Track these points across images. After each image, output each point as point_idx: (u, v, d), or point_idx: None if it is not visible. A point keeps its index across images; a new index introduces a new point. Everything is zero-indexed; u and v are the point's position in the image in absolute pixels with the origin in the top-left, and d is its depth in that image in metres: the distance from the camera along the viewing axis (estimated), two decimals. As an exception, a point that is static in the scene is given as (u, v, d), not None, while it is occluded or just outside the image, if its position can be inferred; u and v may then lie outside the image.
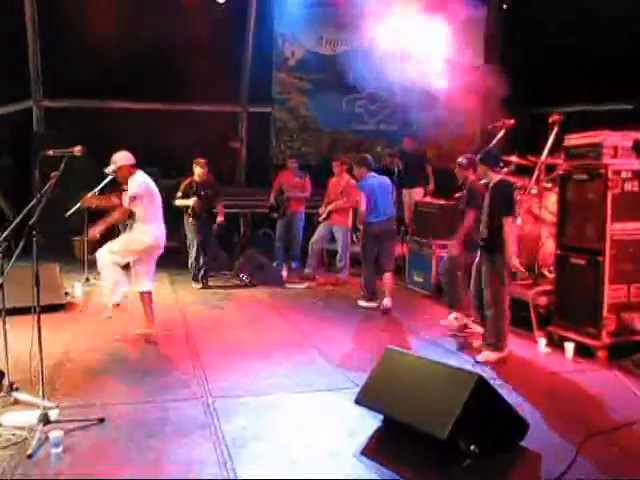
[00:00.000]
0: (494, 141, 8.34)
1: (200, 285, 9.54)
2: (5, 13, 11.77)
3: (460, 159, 7.21)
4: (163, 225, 6.81)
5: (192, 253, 9.55)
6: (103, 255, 6.57)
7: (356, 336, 7.08)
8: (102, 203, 7.36)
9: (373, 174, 8.41)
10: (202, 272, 9.60)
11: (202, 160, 9.40)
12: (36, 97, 12.66)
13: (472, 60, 13.74)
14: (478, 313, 6.56)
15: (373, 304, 8.32)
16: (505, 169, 7.36)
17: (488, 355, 6.08)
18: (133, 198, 6.48)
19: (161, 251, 6.81)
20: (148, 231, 6.60)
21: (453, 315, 7.21)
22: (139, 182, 6.57)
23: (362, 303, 8.39)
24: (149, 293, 6.79)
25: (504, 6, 13.18)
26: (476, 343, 6.48)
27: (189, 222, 9.49)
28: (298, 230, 10.66)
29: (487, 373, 5.38)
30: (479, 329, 6.64)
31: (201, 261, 9.55)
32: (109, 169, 6.63)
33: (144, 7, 11.48)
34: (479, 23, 13.70)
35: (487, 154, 6.33)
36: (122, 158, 6.58)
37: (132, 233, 6.67)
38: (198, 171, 9.34)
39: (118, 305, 6.72)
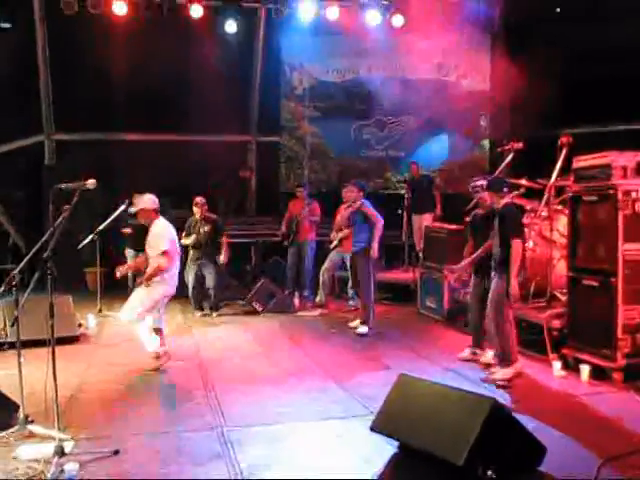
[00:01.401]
0: (502, 164, 8.35)
1: (201, 313, 9.71)
2: (17, 48, 11.97)
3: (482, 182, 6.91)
4: (178, 272, 6.91)
5: (189, 285, 9.77)
6: (131, 317, 6.57)
7: (369, 363, 7.05)
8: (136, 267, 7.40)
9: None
10: (201, 303, 9.79)
11: (198, 200, 9.76)
12: (48, 130, 12.80)
13: (479, 84, 13.84)
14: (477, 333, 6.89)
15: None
16: (514, 192, 7.37)
17: (503, 372, 6.11)
18: (164, 253, 6.55)
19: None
20: (167, 280, 6.65)
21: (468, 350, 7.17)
22: (168, 236, 6.67)
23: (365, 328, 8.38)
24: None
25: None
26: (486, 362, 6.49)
27: (190, 255, 9.78)
28: (309, 258, 10.64)
29: (502, 397, 5.35)
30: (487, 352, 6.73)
31: (195, 295, 9.77)
32: (132, 210, 6.78)
33: (154, 41, 11.61)
34: (486, 47, 13.79)
35: (492, 182, 6.47)
36: (145, 202, 6.68)
37: (151, 287, 6.61)
38: (195, 210, 9.74)
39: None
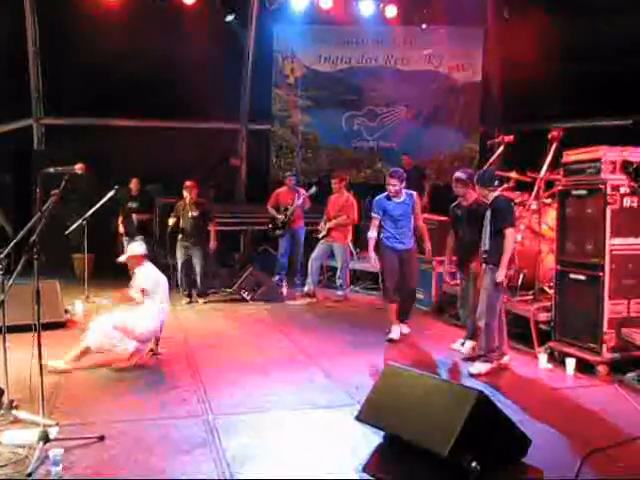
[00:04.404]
0: (493, 157, 8.36)
1: (187, 300, 9.69)
2: (6, 33, 11.86)
3: (461, 174, 6.98)
4: (165, 312, 6.77)
5: (178, 268, 9.77)
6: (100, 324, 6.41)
7: (357, 353, 7.05)
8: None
9: None
10: (190, 290, 9.73)
11: (188, 183, 9.67)
12: (36, 115, 12.70)
13: (471, 77, 13.84)
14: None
15: None
16: (504, 185, 7.36)
17: (480, 367, 6.13)
18: (141, 290, 6.52)
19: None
20: (149, 317, 6.51)
21: (461, 341, 7.15)
22: (148, 276, 6.65)
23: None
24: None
25: (505, 14, 13.15)
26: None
27: (178, 240, 9.71)
28: (301, 245, 10.64)
29: (488, 389, 5.37)
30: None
31: (184, 280, 9.72)
32: (122, 258, 6.81)
33: (144, 26, 11.54)
34: (478, 39, 13.78)
35: (482, 175, 6.45)
36: (134, 249, 6.75)
37: (137, 314, 6.48)
38: (185, 194, 9.63)
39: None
